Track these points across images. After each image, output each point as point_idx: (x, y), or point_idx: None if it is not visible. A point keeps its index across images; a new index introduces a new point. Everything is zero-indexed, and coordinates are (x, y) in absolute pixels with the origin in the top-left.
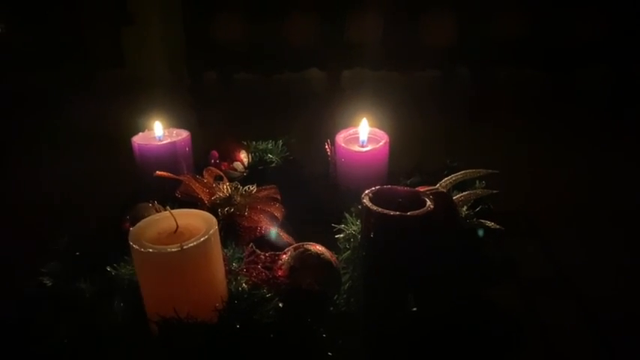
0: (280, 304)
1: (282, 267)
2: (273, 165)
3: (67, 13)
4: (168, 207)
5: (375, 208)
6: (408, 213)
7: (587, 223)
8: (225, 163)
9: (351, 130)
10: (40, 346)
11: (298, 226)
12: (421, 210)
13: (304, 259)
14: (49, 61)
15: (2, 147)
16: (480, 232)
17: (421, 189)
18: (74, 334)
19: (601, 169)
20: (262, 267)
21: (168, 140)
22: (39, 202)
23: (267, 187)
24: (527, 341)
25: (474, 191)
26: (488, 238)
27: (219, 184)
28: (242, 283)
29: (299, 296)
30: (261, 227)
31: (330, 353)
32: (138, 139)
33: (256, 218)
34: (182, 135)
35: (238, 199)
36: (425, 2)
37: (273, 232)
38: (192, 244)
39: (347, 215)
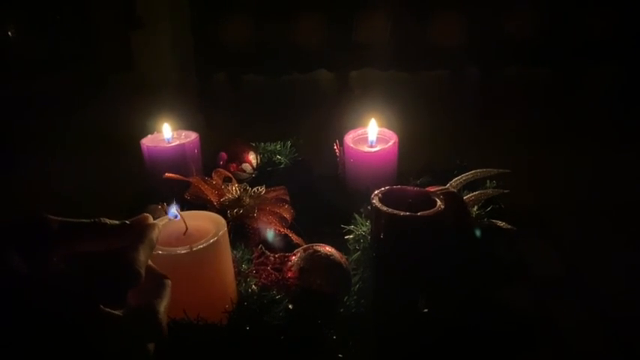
0: (290, 306)
1: (292, 268)
2: (282, 166)
3: (76, 17)
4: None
5: (384, 208)
6: (419, 213)
7: (600, 222)
8: (234, 165)
9: (360, 131)
10: None
11: (307, 227)
12: (431, 210)
13: (314, 261)
14: (59, 64)
15: (12, 149)
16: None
17: (431, 189)
18: None
19: (614, 167)
20: (272, 268)
21: (177, 142)
22: (48, 204)
23: (276, 188)
24: (539, 342)
25: (485, 191)
26: (500, 238)
27: (228, 185)
28: (252, 285)
29: (309, 297)
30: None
31: (340, 355)
32: (147, 142)
33: (265, 220)
34: (191, 137)
35: (247, 200)
36: (433, 2)
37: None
38: (201, 246)
39: (356, 216)
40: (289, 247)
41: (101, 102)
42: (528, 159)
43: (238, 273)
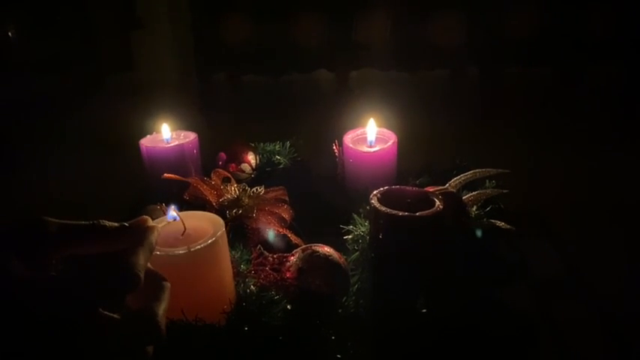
0: (289, 306)
1: (291, 269)
2: (281, 166)
3: (76, 17)
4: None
5: (383, 208)
6: (417, 213)
7: (599, 222)
8: (233, 165)
9: (359, 131)
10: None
11: (306, 227)
12: (430, 210)
13: (312, 261)
14: (59, 64)
15: (12, 149)
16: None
17: (430, 189)
18: None
19: (614, 167)
20: (270, 269)
21: (176, 142)
22: (47, 204)
23: (275, 188)
24: (539, 341)
25: (484, 191)
26: (499, 238)
27: (227, 186)
28: (250, 285)
29: (307, 298)
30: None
31: (339, 355)
32: (146, 142)
33: (264, 220)
34: (190, 137)
35: (246, 200)
36: (433, 1)
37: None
38: (199, 247)
39: (355, 216)
40: (288, 247)
41: (101, 102)
42: (528, 159)
43: (237, 273)
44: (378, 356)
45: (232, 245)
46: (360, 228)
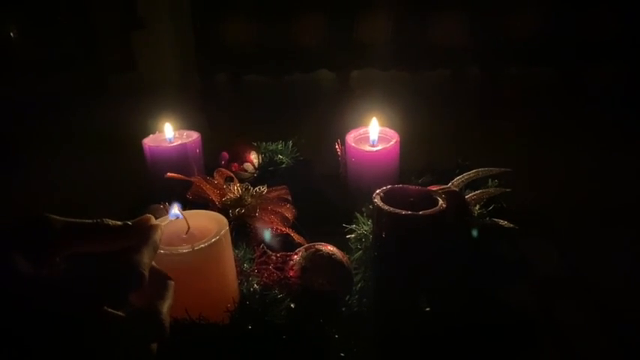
0: (292, 305)
1: (294, 267)
2: (284, 166)
3: (77, 18)
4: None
5: (386, 207)
6: (420, 212)
7: (600, 222)
8: (236, 164)
9: (362, 130)
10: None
11: (309, 226)
12: (433, 209)
13: (316, 260)
14: (60, 65)
15: (14, 150)
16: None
17: (433, 188)
18: None
19: (614, 167)
20: (274, 268)
21: (179, 142)
22: (50, 205)
23: (278, 187)
24: (540, 340)
25: (487, 190)
26: (501, 237)
27: (229, 185)
28: (253, 284)
29: (311, 297)
30: (272, 228)
31: (342, 354)
32: (149, 141)
33: (267, 219)
34: (192, 137)
35: (249, 200)
36: (434, 1)
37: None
38: (203, 245)
39: (358, 215)
40: (291, 246)
41: (103, 102)
42: (530, 158)
43: (240, 272)
44: (381, 355)
45: (235, 244)
46: (362, 227)
